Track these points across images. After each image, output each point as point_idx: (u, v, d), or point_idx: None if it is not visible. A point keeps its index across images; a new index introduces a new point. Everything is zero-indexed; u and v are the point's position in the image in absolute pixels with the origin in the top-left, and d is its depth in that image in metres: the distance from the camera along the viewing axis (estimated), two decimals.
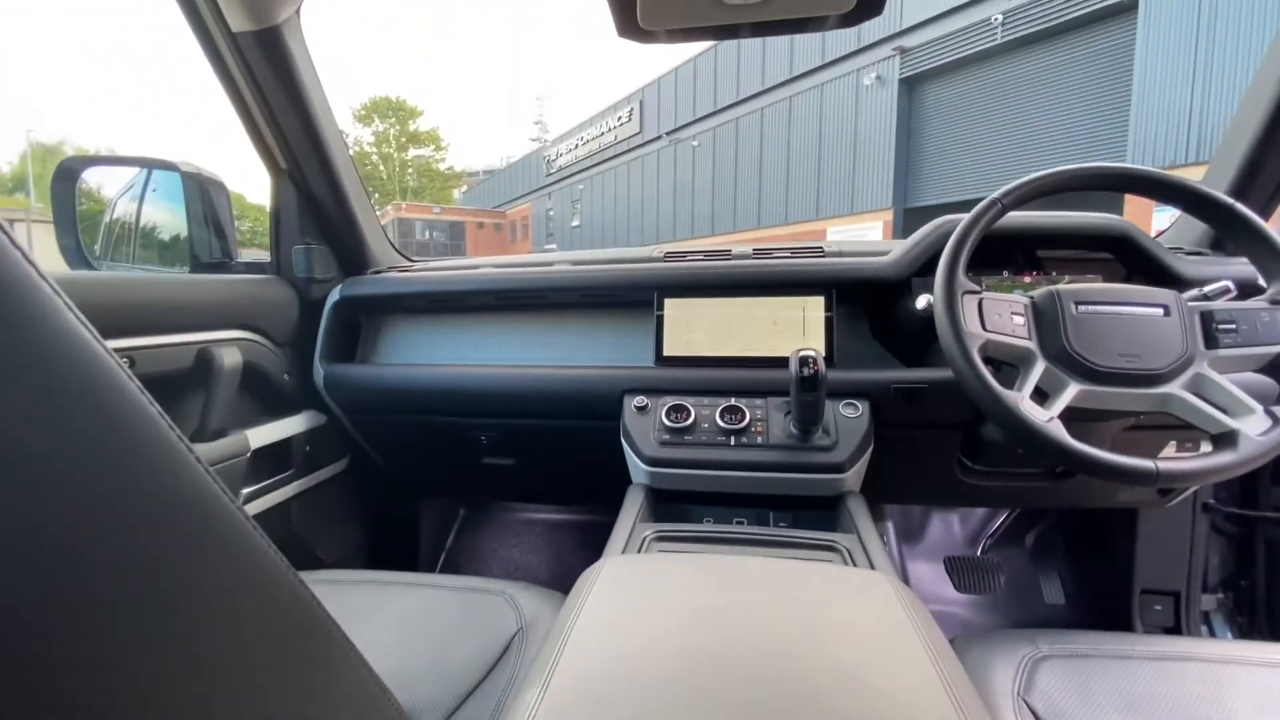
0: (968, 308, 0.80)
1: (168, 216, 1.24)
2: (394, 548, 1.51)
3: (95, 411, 0.20)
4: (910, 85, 12.62)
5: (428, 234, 28.33)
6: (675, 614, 0.48)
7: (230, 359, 1.00)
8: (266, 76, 1.02)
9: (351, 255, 1.28)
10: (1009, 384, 0.77)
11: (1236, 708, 0.62)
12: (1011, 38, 10.63)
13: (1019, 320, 0.81)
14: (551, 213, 27.47)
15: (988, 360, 0.79)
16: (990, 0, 10.78)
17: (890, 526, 1.54)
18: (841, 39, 13.29)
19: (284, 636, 0.26)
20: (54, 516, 0.19)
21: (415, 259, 1.40)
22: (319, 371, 1.19)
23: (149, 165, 1.22)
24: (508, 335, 1.20)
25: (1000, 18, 10.65)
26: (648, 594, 0.52)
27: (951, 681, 0.42)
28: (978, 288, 0.82)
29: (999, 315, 0.81)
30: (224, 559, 0.24)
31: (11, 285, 0.19)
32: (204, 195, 1.14)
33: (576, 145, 24.78)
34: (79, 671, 0.19)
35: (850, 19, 0.98)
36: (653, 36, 1.01)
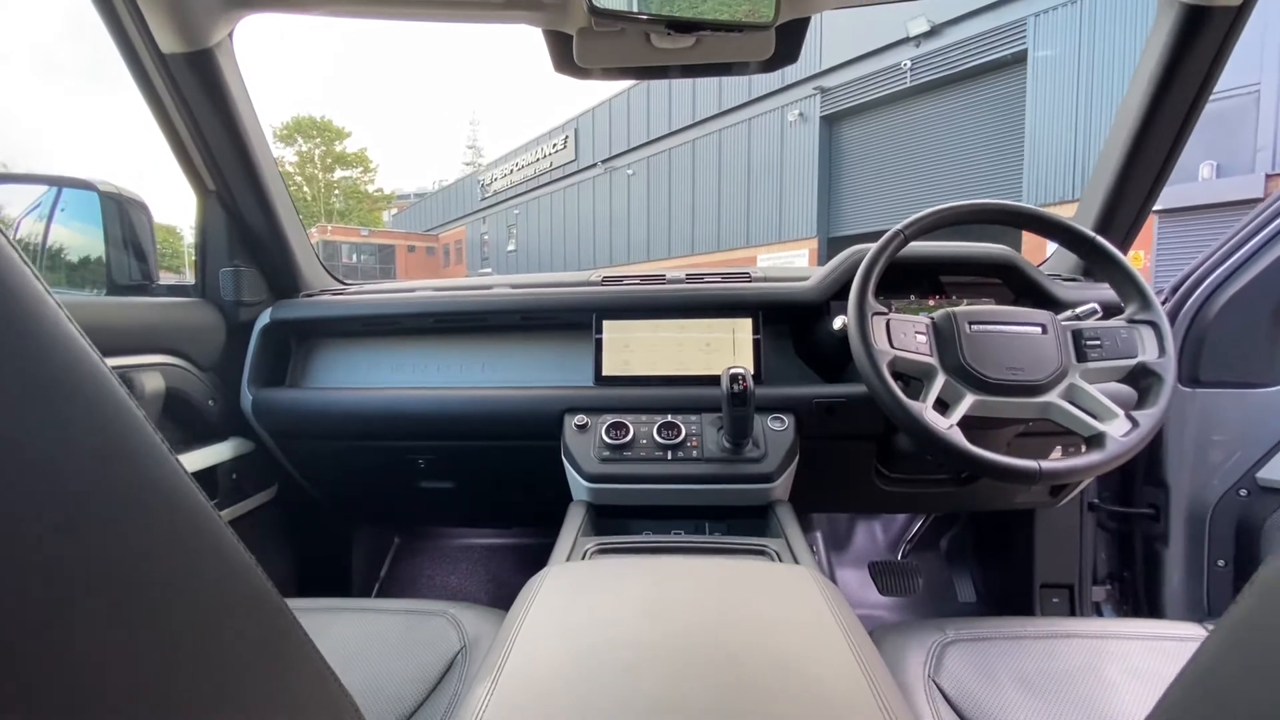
0: (877, 328, 0.88)
1: (79, 238, 1.18)
2: (326, 578, 1.46)
3: (86, 412, 0.22)
4: (830, 122, 13.42)
5: (355, 257, 27.41)
6: (618, 611, 0.51)
7: (152, 384, 0.96)
8: (197, 98, 1.01)
9: (282, 277, 1.26)
10: (915, 396, 0.85)
11: (1112, 676, 0.71)
12: (920, 82, 11.53)
13: (921, 338, 0.90)
14: (486, 237, 27.19)
15: (896, 375, 0.87)
16: (901, 46, 11.68)
17: (819, 535, 1.62)
18: (767, 78, 14.01)
19: (256, 631, 0.28)
20: (44, 510, 0.20)
21: (349, 282, 1.39)
22: (246, 397, 1.16)
23: (60, 184, 1.16)
24: (446, 357, 1.20)
25: (909, 63, 11.55)
26: (591, 594, 0.55)
27: (868, 665, 0.46)
28: (885, 310, 0.90)
29: (904, 334, 0.89)
30: (203, 557, 0.26)
31: (9, 287, 0.21)
32: (123, 216, 1.10)
33: (512, 170, 24.74)
34: (61, 662, 0.20)
35: (769, 65, 1.07)
36: (588, 74, 1.07)
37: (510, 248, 25.01)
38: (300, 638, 0.31)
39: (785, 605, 0.54)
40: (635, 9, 0.86)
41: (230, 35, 1.02)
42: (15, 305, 0.21)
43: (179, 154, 1.09)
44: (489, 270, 25.87)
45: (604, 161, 19.49)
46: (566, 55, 1.04)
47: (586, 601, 0.53)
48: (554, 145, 21.86)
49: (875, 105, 12.55)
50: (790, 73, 13.29)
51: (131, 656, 0.23)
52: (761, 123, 14.63)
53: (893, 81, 11.93)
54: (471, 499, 1.33)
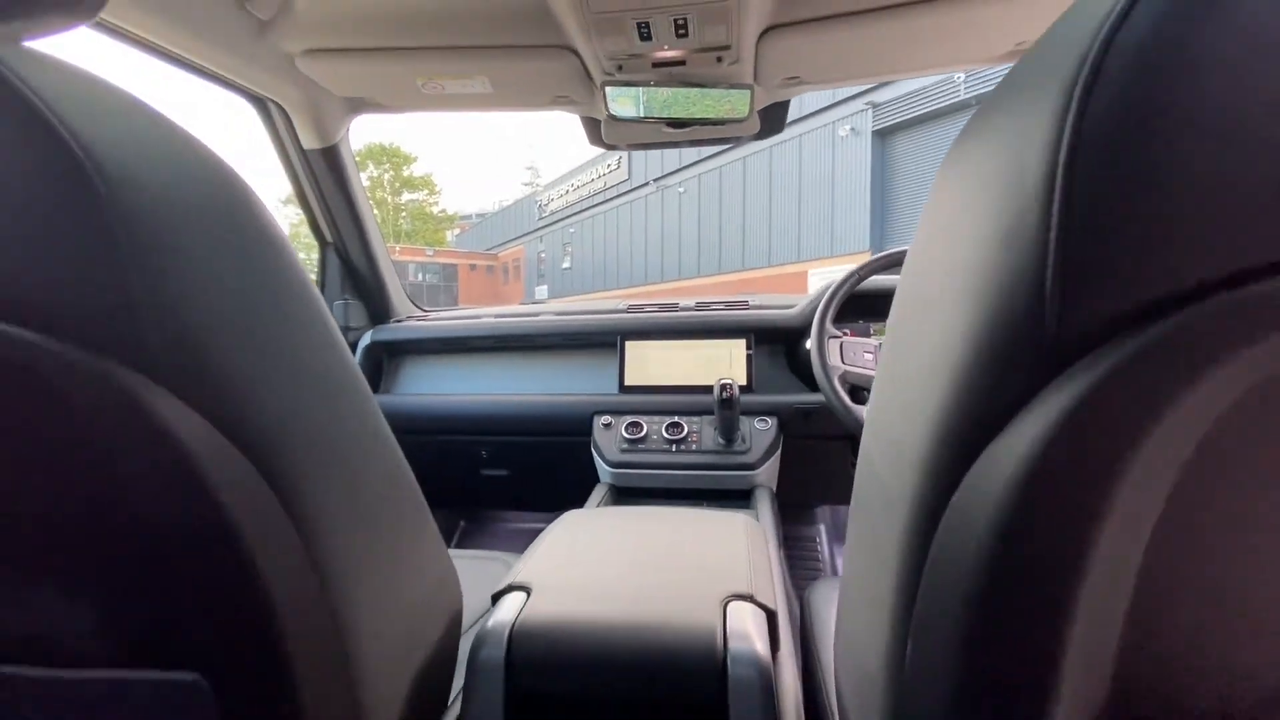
0: (832, 348, 1.13)
1: None
2: None
3: (351, 398, 0.51)
4: (882, 137, 13.39)
5: (421, 276, 28.82)
6: (610, 529, 0.79)
7: None
8: (325, 178, 1.37)
9: (378, 307, 1.61)
10: (864, 403, 1.09)
11: None
12: (974, 94, 11.41)
13: (869, 356, 1.14)
14: (543, 255, 28.11)
15: (852, 387, 1.11)
16: None
17: (822, 528, 1.84)
18: (817, 96, 14.12)
19: (417, 513, 0.57)
20: (337, 449, 0.50)
21: (429, 309, 1.73)
22: None
23: None
24: (503, 370, 1.52)
25: (963, 76, 11.45)
26: (593, 522, 0.83)
27: (754, 557, 0.70)
28: (840, 334, 1.15)
29: (855, 353, 1.14)
30: (395, 476, 0.55)
31: (317, 313, 0.50)
32: None
33: (568, 191, 25.59)
34: (318, 496, 0.49)
35: (759, 136, 1.35)
36: (615, 147, 1.37)
37: (565, 265, 25.79)
38: (432, 526, 0.60)
39: (720, 528, 0.79)
40: (642, 115, 1.15)
41: (348, 130, 1.37)
42: (326, 332, 0.50)
43: (309, 216, 1.46)
44: (544, 287, 26.72)
45: (656, 180, 19.95)
46: (597, 134, 1.35)
47: (589, 527, 0.81)
48: (609, 165, 22.53)
49: (928, 119, 12.48)
50: (842, 90, 13.36)
51: (376, 505, 0.52)
52: (812, 139, 14.72)
53: (946, 95, 11.85)
54: (521, 484, 1.63)
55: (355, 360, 0.52)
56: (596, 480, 1.31)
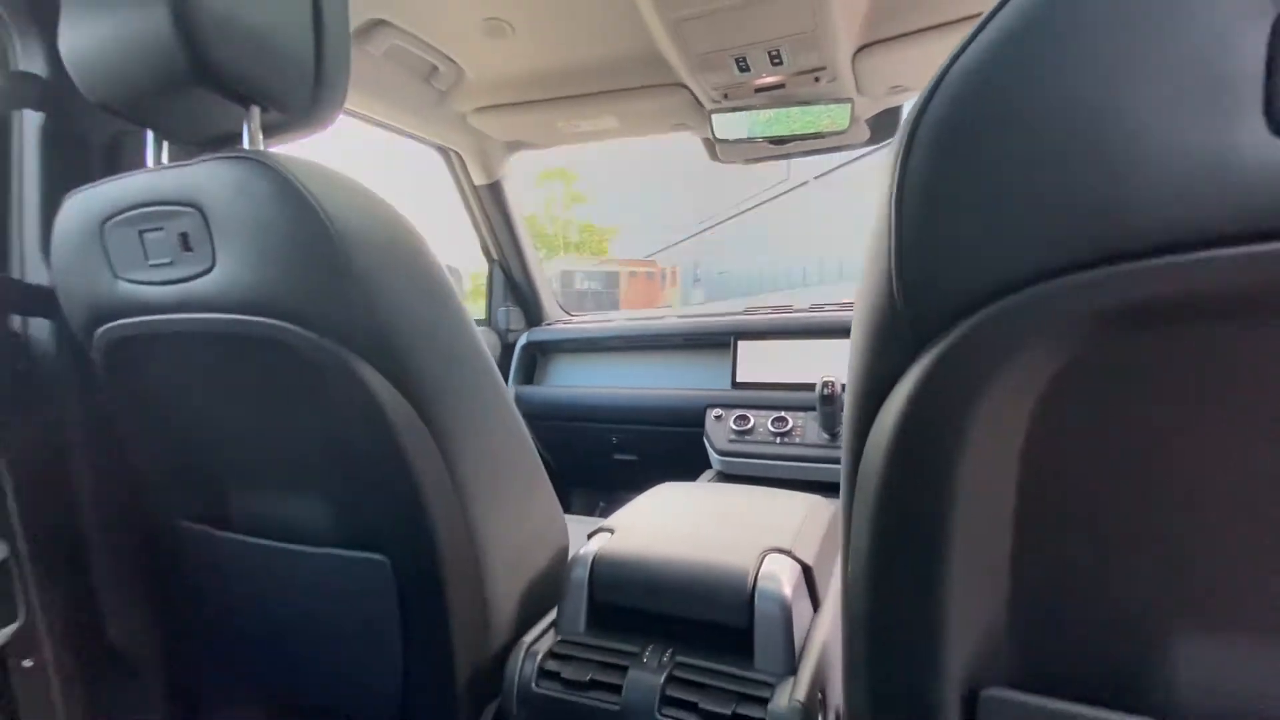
0: None
1: None
2: None
3: (498, 396, 0.72)
4: None
5: (586, 284, 30.74)
6: (690, 496, 0.93)
7: None
8: (491, 207, 1.67)
9: (532, 313, 1.90)
10: None
11: None
12: None
13: None
14: (699, 260, 28.50)
15: None
16: None
17: None
18: None
19: (529, 463, 0.77)
20: (489, 431, 0.70)
21: (574, 314, 1.99)
22: (512, 390, 1.79)
23: None
24: (631, 367, 1.71)
25: None
26: (679, 491, 0.97)
27: (809, 523, 0.79)
28: None
29: None
30: (522, 446, 0.75)
31: (450, 294, 0.70)
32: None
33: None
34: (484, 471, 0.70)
35: (871, 142, 1.40)
36: (730, 162, 1.50)
37: (721, 270, 25.90)
38: (544, 480, 0.79)
39: (784, 500, 0.89)
40: (746, 136, 1.27)
41: (509, 168, 1.66)
42: (466, 329, 0.72)
43: (480, 239, 1.78)
44: (700, 290, 27.05)
45: (817, 178, 19.31)
46: (714, 152, 1.50)
47: (674, 492, 0.96)
48: (766, 164, 22.24)
49: None
50: None
51: (509, 461, 0.72)
52: None
53: None
54: (646, 469, 1.81)
55: (489, 351, 0.72)
56: (707, 465, 1.45)
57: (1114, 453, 0.35)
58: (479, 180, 1.62)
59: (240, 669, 0.84)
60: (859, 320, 0.41)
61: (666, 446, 1.67)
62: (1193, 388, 0.32)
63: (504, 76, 1.29)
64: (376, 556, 0.67)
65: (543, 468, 0.81)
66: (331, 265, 0.55)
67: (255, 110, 0.61)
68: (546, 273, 1.95)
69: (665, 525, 0.80)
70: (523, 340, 1.82)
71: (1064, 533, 0.38)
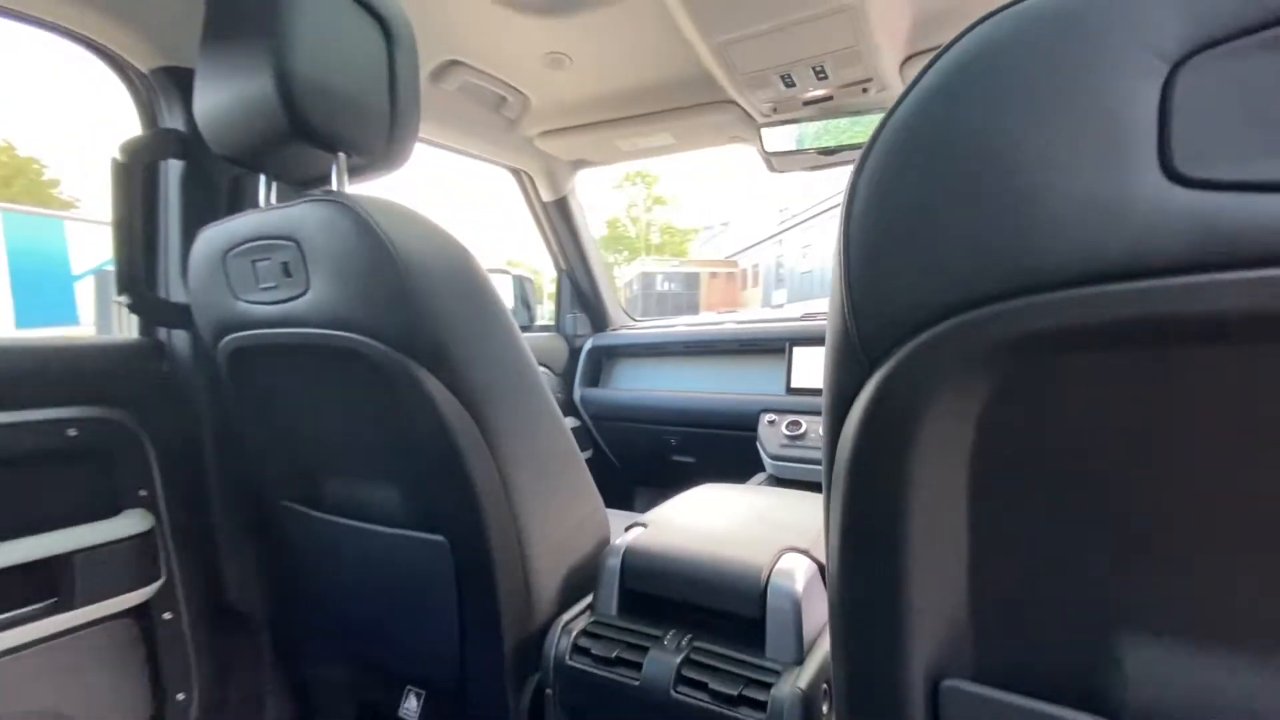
0: None
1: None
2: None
3: (543, 398, 0.81)
4: None
5: (667, 285, 30.93)
6: (723, 498, 0.98)
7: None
8: (559, 222, 1.78)
9: (597, 319, 1.99)
10: None
11: None
12: None
13: None
14: (782, 260, 27.97)
15: None
16: None
17: None
18: None
19: (573, 461, 0.85)
20: (534, 430, 0.79)
21: (638, 319, 2.07)
22: (577, 392, 1.90)
23: (495, 270, 2.08)
24: (691, 371, 1.77)
25: None
26: (715, 492, 1.02)
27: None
28: None
29: None
30: (559, 427, 0.83)
31: (501, 310, 0.79)
32: (522, 286, 1.94)
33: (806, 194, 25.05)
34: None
35: None
36: (785, 171, 1.53)
37: (804, 269, 25.29)
38: (586, 477, 0.87)
39: (814, 503, 0.92)
40: (795, 148, 1.30)
41: (574, 185, 1.77)
42: (514, 340, 0.81)
43: (548, 249, 1.89)
44: (783, 291, 26.52)
45: None
46: (770, 165, 1.53)
47: (710, 493, 1.01)
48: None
49: None
50: None
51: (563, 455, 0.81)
52: None
53: None
54: (702, 470, 1.86)
55: (535, 359, 0.81)
56: (760, 469, 1.48)
57: (1051, 465, 0.38)
58: (547, 197, 1.73)
59: (329, 631, 0.97)
60: (828, 335, 0.45)
61: (721, 449, 1.71)
62: (1116, 405, 0.35)
63: (566, 102, 1.39)
64: (437, 538, 0.77)
65: (585, 466, 0.90)
66: (398, 289, 0.65)
67: (342, 156, 0.73)
68: (626, 275, 2.05)
69: (695, 522, 0.85)
70: (588, 345, 1.92)
71: (1014, 536, 0.41)
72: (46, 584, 0.84)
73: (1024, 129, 0.32)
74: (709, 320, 1.82)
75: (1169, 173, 0.29)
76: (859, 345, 0.41)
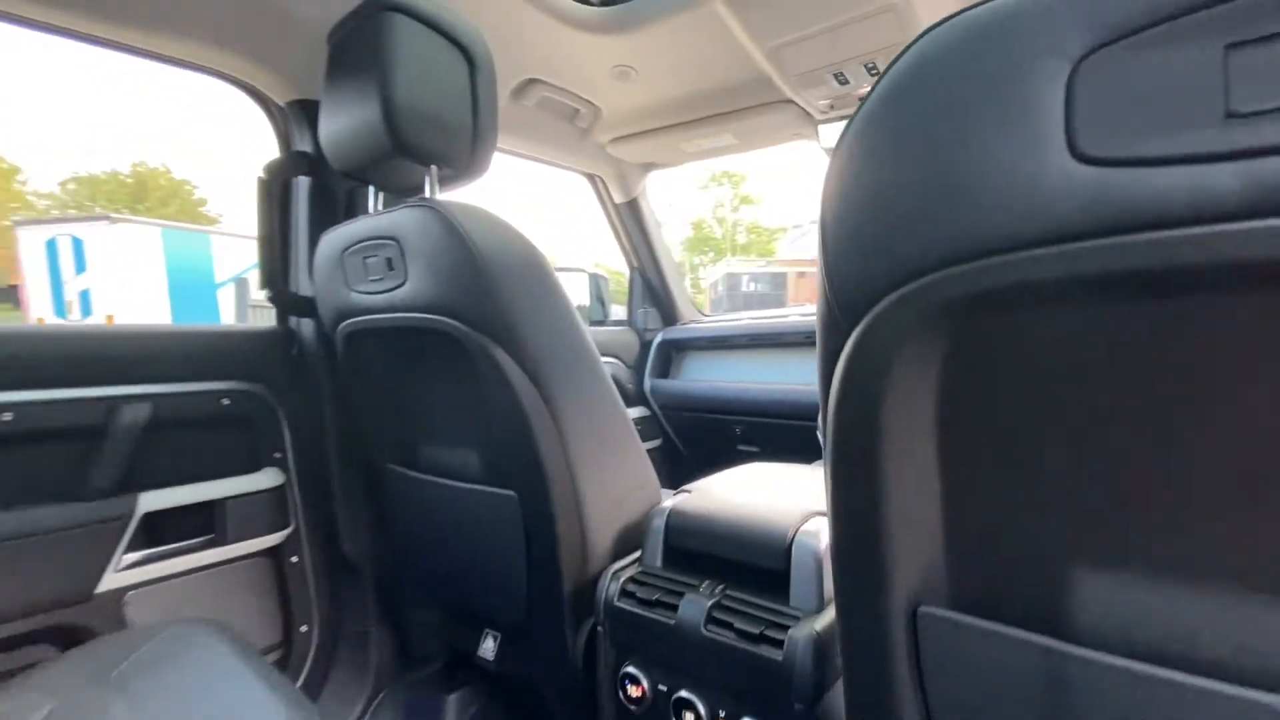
0: None
1: (580, 299, 2.22)
2: None
3: (603, 382, 0.92)
4: None
5: (753, 285, 30.50)
6: (765, 473, 1.04)
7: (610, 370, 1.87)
8: (630, 221, 1.89)
9: (667, 313, 2.09)
10: None
11: None
12: None
13: None
14: None
15: None
16: None
17: None
18: None
19: (627, 432, 0.95)
20: (593, 409, 0.90)
21: (706, 314, 2.14)
22: (648, 383, 2.00)
23: (571, 269, 2.23)
24: (756, 363, 1.82)
25: None
26: (759, 468, 1.08)
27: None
28: None
29: None
30: (615, 403, 0.93)
31: (563, 298, 0.91)
32: (596, 284, 2.07)
33: None
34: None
35: None
36: None
37: None
38: (639, 447, 0.97)
39: None
40: None
41: (644, 187, 1.87)
42: (573, 323, 0.91)
43: (622, 248, 2.01)
44: None
45: None
46: None
47: (755, 469, 1.08)
48: None
49: None
50: None
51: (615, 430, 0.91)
52: None
53: None
54: (766, 460, 1.90)
55: (592, 340, 0.92)
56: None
57: (1005, 412, 0.43)
58: (619, 199, 1.85)
59: (422, 578, 1.13)
60: (818, 304, 0.53)
61: (785, 438, 1.76)
62: (1053, 357, 0.40)
63: (634, 110, 1.50)
64: (508, 492, 0.89)
65: (640, 446, 0.99)
66: (476, 279, 0.78)
67: (434, 168, 0.87)
68: (711, 276, 2.13)
69: (735, 490, 0.93)
70: (658, 339, 2.02)
71: (978, 478, 0.46)
72: (206, 523, 1.04)
73: (958, 125, 0.38)
74: (774, 315, 1.87)
75: (1075, 153, 0.34)
76: (838, 311, 0.48)
